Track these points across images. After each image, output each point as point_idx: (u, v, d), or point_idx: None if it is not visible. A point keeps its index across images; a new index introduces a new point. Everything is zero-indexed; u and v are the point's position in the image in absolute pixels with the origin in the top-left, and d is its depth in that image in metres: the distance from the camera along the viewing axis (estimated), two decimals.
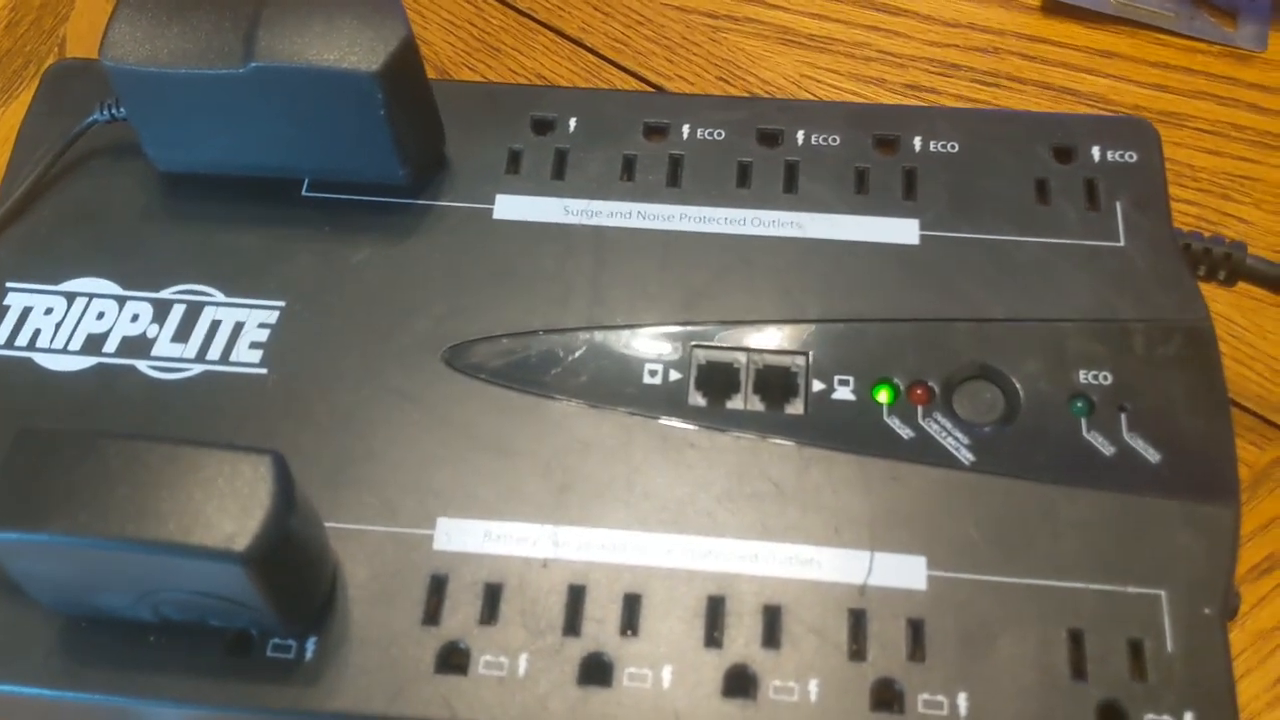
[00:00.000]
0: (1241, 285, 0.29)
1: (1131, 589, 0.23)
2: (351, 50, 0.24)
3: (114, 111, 0.27)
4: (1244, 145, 0.37)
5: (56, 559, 0.20)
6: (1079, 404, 0.25)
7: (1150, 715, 0.22)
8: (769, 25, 0.40)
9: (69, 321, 0.26)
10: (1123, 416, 0.25)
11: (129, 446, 0.20)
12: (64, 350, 0.26)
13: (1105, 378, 0.25)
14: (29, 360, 0.26)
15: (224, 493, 0.20)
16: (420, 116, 0.27)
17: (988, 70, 0.39)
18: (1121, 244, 0.27)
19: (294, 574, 0.21)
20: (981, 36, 0.40)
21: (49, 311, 0.26)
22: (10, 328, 0.26)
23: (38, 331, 0.26)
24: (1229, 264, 0.28)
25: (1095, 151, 0.28)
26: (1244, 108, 0.38)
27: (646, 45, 0.40)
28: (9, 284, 0.27)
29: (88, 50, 0.40)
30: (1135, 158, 0.28)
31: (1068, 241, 0.27)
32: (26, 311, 0.26)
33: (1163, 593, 0.23)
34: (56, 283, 0.27)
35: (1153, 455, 0.24)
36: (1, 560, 0.21)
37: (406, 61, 0.25)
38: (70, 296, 0.27)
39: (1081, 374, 0.25)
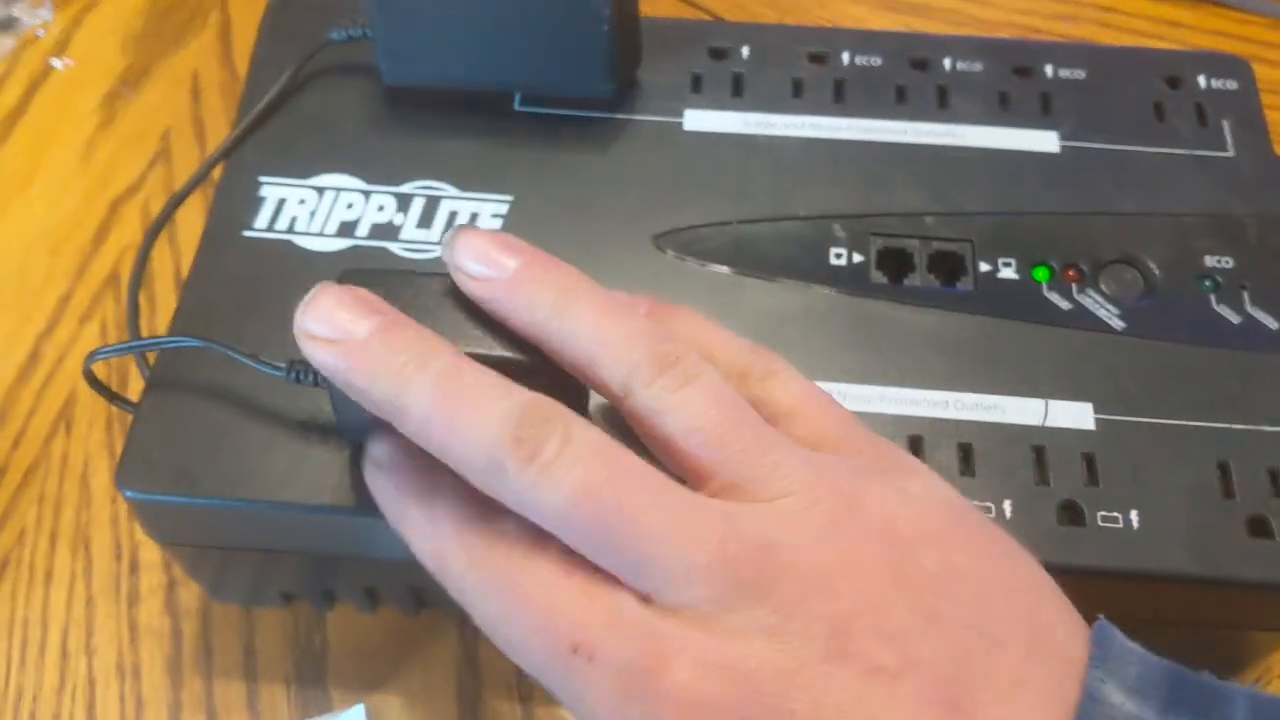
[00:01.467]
0: None
1: (1266, 428, 0.27)
2: None
3: (350, 32, 0.31)
4: None
5: None
6: (1206, 283, 0.29)
7: None
8: None
9: (321, 210, 0.29)
10: (1244, 293, 0.29)
11: (444, 278, 0.24)
12: (320, 234, 0.29)
13: (1227, 261, 0.29)
14: (290, 241, 0.29)
15: None
16: (631, 35, 0.31)
17: (1068, 36, 0.43)
18: (1230, 154, 0.31)
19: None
20: (1061, 7, 0.44)
21: (302, 202, 0.30)
22: (270, 214, 0.29)
23: (295, 218, 0.29)
24: None
25: (1201, 80, 0.32)
26: None
27: (759, 9, 0.44)
28: (261, 178, 0.30)
29: (249, 4, 0.43)
30: (1235, 85, 0.32)
31: (1185, 152, 0.31)
32: (281, 201, 0.30)
33: None
34: (305, 178, 0.30)
35: (1272, 323, 0.28)
36: (333, 385, 0.24)
37: None
38: (320, 189, 0.30)
39: (1206, 259, 0.29)
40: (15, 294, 0.36)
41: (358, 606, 0.30)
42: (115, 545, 0.32)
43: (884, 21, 0.43)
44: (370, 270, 0.24)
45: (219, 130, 0.39)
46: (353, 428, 0.25)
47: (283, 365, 0.25)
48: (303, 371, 0.24)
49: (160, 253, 0.37)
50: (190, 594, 0.32)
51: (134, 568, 0.32)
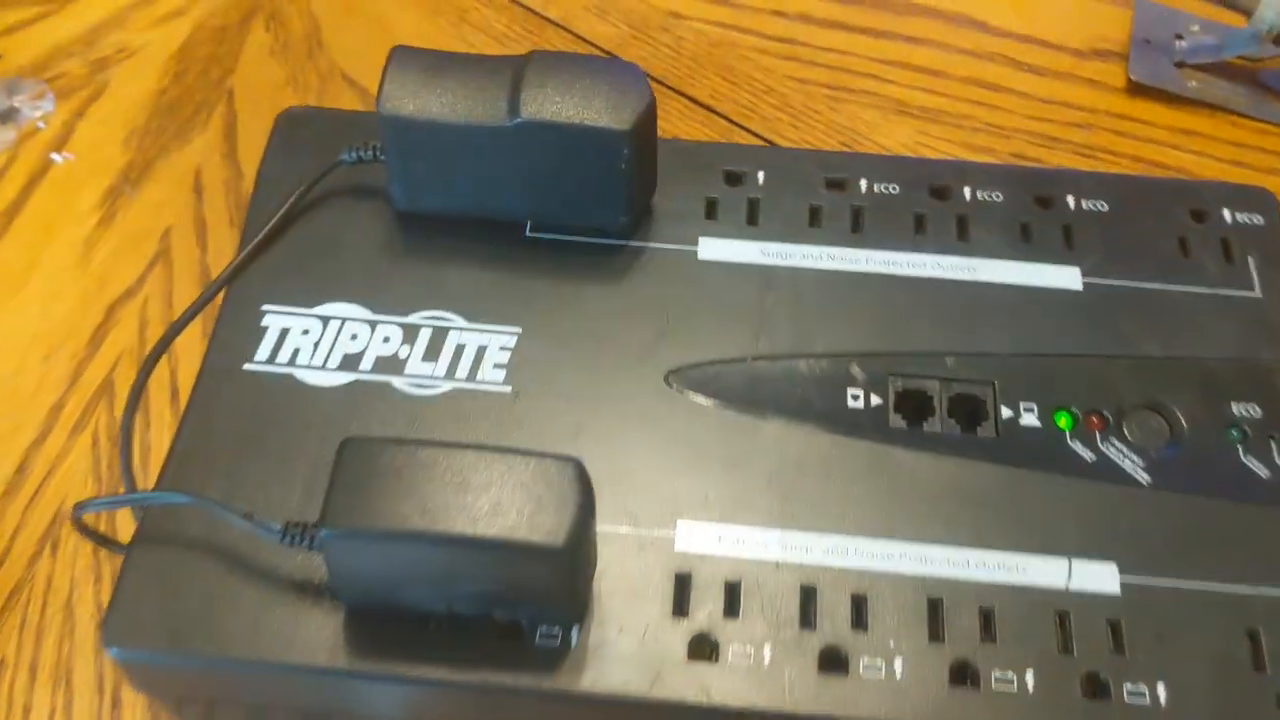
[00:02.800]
0: None
1: None
2: (607, 110, 0.27)
3: (361, 154, 0.30)
4: None
5: (385, 556, 0.23)
6: (1234, 432, 0.28)
7: None
8: (883, 97, 0.44)
9: (325, 341, 0.29)
10: (1273, 444, 0.28)
11: (448, 451, 0.23)
12: (323, 367, 0.28)
13: (1255, 410, 0.28)
14: (290, 376, 0.28)
15: (540, 493, 0.22)
16: (648, 171, 0.30)
17: (1084, 143, 0.43)
18: (1258, 294, 0.30)
19: (585, 566, 0.24)
20: (1076, 113, 0.44)
21: (306, 332, 0.29)
22: (271, 346, 0.28)
23: (297, 350, 0.28)
24: None
25: (1226, 214, 0.32)
26: None
27: (772, 112, 0.44)
28: (265, 307, 0.29)
29: (254, 100, 0.42)
30: (1262, 221, 0.32)
31: (1211, 291, 0.30)
32: (284, 332, 0.29)
33: None
34: (310, 306, 0.29)
35: None
36: (330, 558, 0.23)
37: (649, 122, 0.28)
38: (324, 319, 0.29)
39: (1234, 406, 0.29)
40: (6, 401, 0.35)
41: None
42: (98, 679, 0.31)
43: (898, 127, 0.43)
44: (370, 440, 0.23)
45: (221, 230, 0.39)
46: (349, 591, 0.24)
47: (278, 527, 0.24)
48: (298, 535, 0.23)
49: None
50: None
51: (116, 703, 0.30)
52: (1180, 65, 0.45)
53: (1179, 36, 0.46)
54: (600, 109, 0.27)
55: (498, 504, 0.22)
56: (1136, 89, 0.45)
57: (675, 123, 0.43)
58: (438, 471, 0.22)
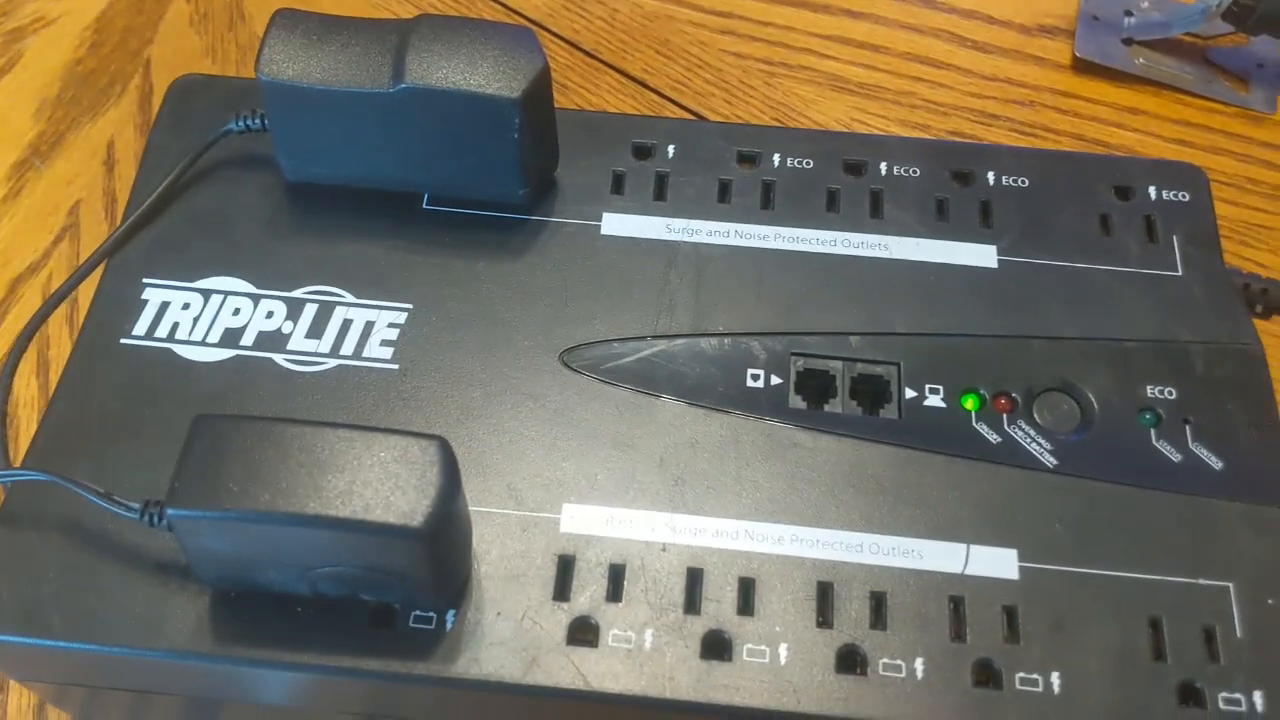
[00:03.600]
0: (1276, 318, 0.32)
1: (1202, 581, 0.25)
2: (495, 77, 0.26)
3: (249, 122, 0.29)
4: (1259, 198, 0.41)
5: (235, 536, 0.22)
6: (1147, 416, 0.27)
7: (1224, 694, 0.24)
8: (820, 73, 0.43)
9: (206, 316, 0.28)
10: (1187, 428, 0.27)
11: (304, 430, 0.22)
12: (202, 342, 0.27)
13: (1170, 393, 0.28)
14: (169, 350, 0.27)
15: (398, 473, 0.21)
16: (545, 141, 0.29)
17: (1025, 121, 0.42)
18: (1179, 274, 0.29)
19: (453, 549, 0.23)
20: (1018, 90, 0.43)
21: (186, 307, 0.28)
22: (150, 320, 0.28)
23: (176, 324, 0.27)
24: (1265, 298, 0.31)
25: (1151, 191, 0.31)
26: (1258, 164, 0.41)
27: (706, 87, 0.43)
28: (146, 280, 0.28)
29: (172, 71, 0.41)
30: (1188, 198, 0.31)
31: (1131, 270, 0.29)
32: (164, 306, 0.28)
33: (1230, 585, 0.25)
34: (192, 280, 0.28)
35: (1215, 463, 0.27)
36: (181, 538, 0.22)
37: (542, 90, 0.27)
38: (206, 293, 0.28)
39: (1148, 389, 0.28)
40: None
41: None
42: None
43: (833, 103, 0.42)
44: (225, 418, 0.22)
45: None
46: (207, 572, 0.23)
47: (136, 506, 0.23)
48: (157, 515, 0.23)
49: (59, 330, 0.35)
50: (62, 715, 0.30)
51: (2, 686, 0.30)
52: (1128, 42, 0.44)
53: (1128, 13, 0.45)
54: (489, 75, 0.26)
55: (353, 484, 0.21)
56: (1082, 66, 0.44)
57: (605, 97, 0.42)
58: (293, 451, 0.21)
